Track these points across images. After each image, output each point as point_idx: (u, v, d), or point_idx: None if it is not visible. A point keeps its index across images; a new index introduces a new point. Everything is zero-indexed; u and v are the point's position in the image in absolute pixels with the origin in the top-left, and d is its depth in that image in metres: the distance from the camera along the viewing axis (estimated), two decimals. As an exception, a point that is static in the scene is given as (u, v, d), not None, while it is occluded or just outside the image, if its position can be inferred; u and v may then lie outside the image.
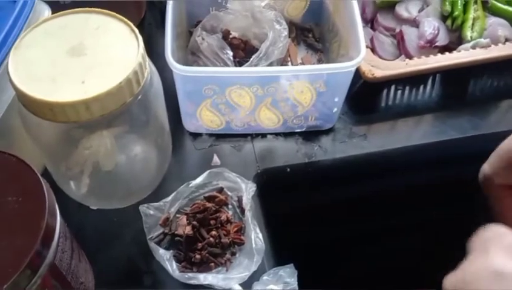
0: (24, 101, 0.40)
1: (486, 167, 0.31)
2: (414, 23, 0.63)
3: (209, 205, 0.50)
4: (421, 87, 0.62)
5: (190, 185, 0.51)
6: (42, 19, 0.46)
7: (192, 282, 0.45)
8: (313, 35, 0.66)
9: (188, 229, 0.48)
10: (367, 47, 0.62)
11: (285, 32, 0.58)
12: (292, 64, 0.63)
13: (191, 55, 0.59)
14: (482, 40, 0.60)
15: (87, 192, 0.49)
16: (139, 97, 0.42)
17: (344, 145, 0.57)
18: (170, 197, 0.50)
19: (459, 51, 0.60)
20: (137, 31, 0.42)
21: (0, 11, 0.45)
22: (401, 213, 0.66)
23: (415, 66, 0.59)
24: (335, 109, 0.56)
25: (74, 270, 0.39)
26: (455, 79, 0.62)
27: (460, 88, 0.63)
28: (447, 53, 0.60)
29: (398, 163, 0.59)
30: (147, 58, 0.43)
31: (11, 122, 0.45)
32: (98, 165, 0.47)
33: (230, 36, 0.61)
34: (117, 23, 0.43)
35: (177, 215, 0.50)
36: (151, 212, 0.49)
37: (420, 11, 0.64)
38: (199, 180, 0.51)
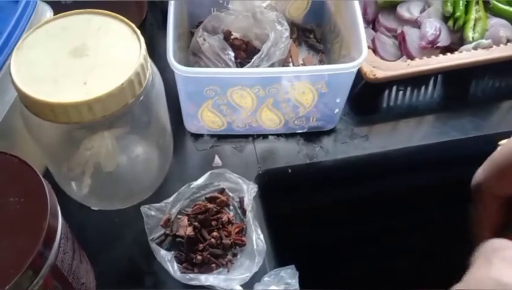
0: (26, 102, 0.40)
1: (479, 174, 0.30)
2: (416, 24, 0.63)
3: (210, 206, 0.50)
4: (423, 88, 0.62)
5: (192, 186, 0.51)
6: (44, 20, 0.46)
7: (193, 283, 0.45)
8: (314, 36, 0.66)
9: (189, 230, 0.48)
10: (369, 48, 0.62)
11: (287, 33, 0.58)
12: (294, 65, 0.63)
13: (192, 56, 0.59)
14: (484, 41, 0.60)
15: (88, 193, 0.49)
16: (141, 98, 0.42)
17: (346, 146, 0.57)
18: (171, 198, 0.50)
19: (461, 52, 0.60)
20: (138, 32, 0.42)
21: (2, 12, 0.45)
22: (402, 214, 0.66)
23: (417, 67, 0.58)
24: (337, 110, 0.56)
25: (75, 271, 0.39)
26: (456, 80, 0.62)
27: (461, 89, 0.63)
28: (449, 54, 0.60)
29: (400, 164, 0.59)
30: (149, 59, 0.43)
31: (13, 123, 0.45)
32: (99, 166, 0.48)
33: (232, 37, 0.61)
34: (119, 24, 0.43)
35: (178, 216, 0.50)
36: (152, 213, 0.49)
37: (421, 11, 0.64)
38: (200, 181, 0.51)
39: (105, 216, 0.51)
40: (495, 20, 0.63)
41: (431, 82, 0.63)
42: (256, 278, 0.46)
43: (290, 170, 0.55)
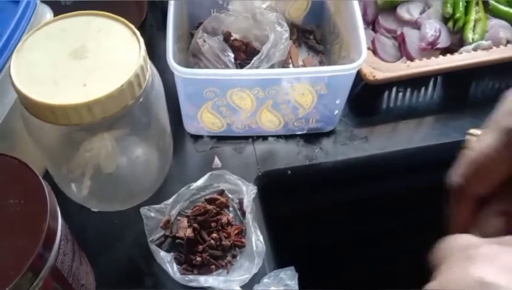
0: (26, 103, 0.40)
1: (453, 173, 0.30)
2: (416, 25, 0.63)
3: (209, 207, 0.50)
4: (422, 89, 0.62)
5: (191, 188, 0.51)
6: (44, 21, 0.46)
7: (192, 284, 0.45)
8: (314, 37, 0.66)
9: (189, 232, 0.48)
10: (369, 49, 0.62)
11: (287, 34, 0.58)
12: (293, 66, 0.63)
13: (192, 57, 0.60)
14: (484, 42, 0.60)
15: (88, 194, 0.49)
16: (140, 100, 0.42)
17: (345, 148, 0.57)
18: (171, 200, 0.50)
19: (461, 53, 0.60)
20: (138, 33, 0.42)
21: (2, 13, 0.45)
22: (402, 215, 0.65)
23: (416, 68, 0.58)
24: (336, 111, 0.56)
25: (75, 272, 0.39)
26: (456, 81, 0.62)
27: (461, 90, 0.63)
28: (448, 55, 0.60)
29: (399, 165, 0.59)
30: (148, 61, 0.43)
31: (13, 125, 0.45)
32: (99, 168, 0.48)
33: (232, 38, 0.61)
34: (119, 25, 0.43)
35: (178, 217, 0.50)
36: (152, 214, 0.49)
37: (421, 13, 0.64)
38: (200, 182, 0.51)
39: (105, 217, 0.51)
40: (495, 21, 0.63)
41: (431, 83, 0.63)
42: (255, 279, 0.46)
43: (289, 172, 0.55)
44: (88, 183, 0.49)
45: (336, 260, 0.69)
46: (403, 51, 0.63)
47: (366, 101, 0.61)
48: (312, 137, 0.58)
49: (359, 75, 0.57)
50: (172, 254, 0.47)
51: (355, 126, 0.59)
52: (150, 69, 0.44)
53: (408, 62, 0.60)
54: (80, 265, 0.40)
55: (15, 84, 0.39)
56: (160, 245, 0.48)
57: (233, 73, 0.54)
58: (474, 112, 0.60)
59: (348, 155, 0.57)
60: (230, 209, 0.51)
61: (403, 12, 0.65)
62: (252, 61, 0.56)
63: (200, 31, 0.60)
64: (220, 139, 0.57)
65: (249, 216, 0.49)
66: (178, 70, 0.48)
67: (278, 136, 0.58)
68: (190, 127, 0.57)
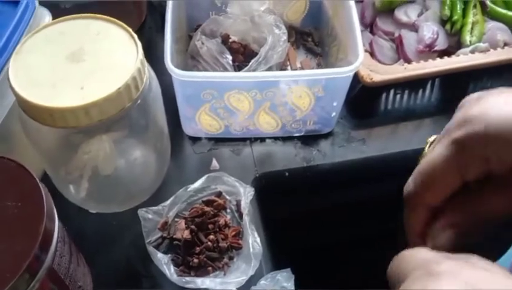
0: (24, 106, 0.40)
1: (409, 183, 0.30)
2: (413, 27, 0.64)
3: (207, 209, 0.50)
4: (420, 92, 0.62)
5: (189, 189, 0.51)
6: (42, 24, 0.46)
7: (189, 286, 0.45)
8: (312, 39, 0.66)
9: (186, 233, 0.48)
10: (366, 51, 0.62)
11: (285, 37, 0.59)
12: (291, 69, 0.63)
13: (191, 59, 0.60)
14: (481, 45, 0.60)
15: (86, 196, 0.50)
16: (138, 102, 0.42)
17: (343, 150, 0.57)
18: (168, 201, 0.50)
19: (458, 56, 0.60)
20: (135, 36, 0.43)
21: (1, 16, 0.45)
22: (400, 218, 0.65)
23: (414, 71, 0.59)
24: (334, 114, 0.56)
25: (72, 274, 0.39)
26: (454, 83, 0.62)
27: (459, 92, 0.62)
28: (446, 57, 0.60)
29: (397, 167, 0.59)
30: (146, 64, 0.43)
31: (11, 127, 0.45)
32: (97, 170, 0.48)
33: (230, 40, 0.62)
34: (117, 29, 0.44)
35: (176, 219, 0.50)
36: (150, 216, 0.49)
37: (419, 15, 0.64)
38: (197, 184, 0.51)
39: (103, 219, 0.51)
40: (492, 24, 0.63)
41: (429, 85, 0.63)
42: (252, 281, 0.46)
43: (287, 173, 0.56)
44: (86, 185, 0.49)
45: (333, 262, 0.69)
46: (401, 53, 0.63)
47: (364, 103, 0.61)
48: (310, 139, 0.58)
49: (356, 77, 0.57)
50: (169, 255, 0.48)
51: (353, 128, 0.59)
52: (148, 72, 0.44)
53: (406, 64, 0.60)
54: (78, 267, 0.41)
55: (13, 86, 0.39)
56: (157, 247, 0.48)
57: (231, 75, 0.54)
58: (471, 114, 0.60)
59: (346, 157, 0.57)
60: (228, 211, 0.52)
61: (401, 14, 0.65)
62: (250, 63, 0.56)
63: (198, 33, 0.60)
64: (218, 141, 0.58)
65: (246, 218, 0.49)
66: (176, 73, 0.48)
67: (276, 138, 0.58)
68: (188, 129, 0.57)
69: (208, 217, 0.49)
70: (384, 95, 0.62)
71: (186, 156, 0.57)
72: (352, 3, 0.55)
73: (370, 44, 0.64)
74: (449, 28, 0.62)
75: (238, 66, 0.60)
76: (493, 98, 0.28)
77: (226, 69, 0.57)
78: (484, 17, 0.63)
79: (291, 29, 0.66)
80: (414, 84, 0.61)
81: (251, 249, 0.47)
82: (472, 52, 0.60)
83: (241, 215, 0.50)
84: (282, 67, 0.61)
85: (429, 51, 0.61)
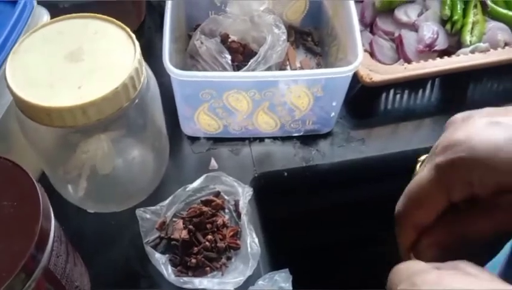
0: (21, 106, 0.40)
1: (399, 203, 0.31)
2: (413, 27, 0.63)
3: (205, 209, 0.50)
4: (420, 92, 0.62)
5: (187, 189, 0.51)
6: (40, 23, 0.46)
7: (187, 286, 0.45)
8: (312, 39, 0.66)
9: (184, 234, 0.48)
10: (366, 51, 0.62)
11: (284, 36, 0.58)
12: (291, 68, 0.63)
13: (190, 58, 0.60)
14: (481, 45, 0.60)
15: (84, 195, 0.49)
16: (136, 101, 0.42)
17: (342, 150, 0.57)
18: (167, 201, 0.50)
19: (458, 56, 0.60)
20: (133, 36, 0.42)
21: (-1, 15, 0.45)
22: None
23: (414, 71, 0.58)
24: (333, 113, 0.56)
25: (69, 274, 0.39)
26: (454, 83, 0.62)
27: (459, 92, 0.63)
28: (446, 57, 0.60)
29: (397, 167, 0.58)
30: (144, 63, 0.43)
31: (9, 126, 0.45)
32: (95, 169, 0.48)
33: (229, 40, 0.62)
34: (115, 28, 0.43)
35: (174, 219, 0.50)
36: (148, 216, 0.49)
37: (419, 15, 0.64)
38: (196, 184, 0.51)
39: (101, 219, 0.51)
40: (493, 24, 0.63)
41: (429, 85, 0.62)
42: (250, 281, 0.46)
43: (286, 173, 0.55)
44: (84, 185, 0.49)
45: (331, 262, 0.69)
46: (400, 53, 0.63)
47: (363, 103, 0.61)
48: (309, 139, 0.58)
49: (356, 77, 0.57)
50: (167, 255, 0.48)
51: (352, 128, 0.59)
52: (146, 71, 0.44)
53: (406, 64, 0.59)
54: (75, 266, 0.41)
55: (10, 86, 0.39)
56: (155, 247, 0.48)
57: (229, 75, 0.54)
58: (471, 114, 0.60)
59: (345, 157, 0.57)
60: (226, 211, 0.51)
61: (401, 14, 0.64)
62: (249, 63, 0.56)
63: (197, 33, 0.60)
64: (217, 140, 0.57)
65: (244, 218, 0.49)
66: (174, 72, 0.48)
67: (275, 138, 0.58)
68: (187, 128, 0.57)
69: (206, 217, 0.49)
70: (383, 95, 0.62)
71: (184, 156, 0.57)
72: (352, 3, 0.55)
73: (370, 44, 0.64)
74: (450, 27, 0.62)
75: (237, 66, 0.60)
76: (478, 120, 0.28)
77: (225, 69, 0.57)
78: (485, 17, 0.63)
79: (290, 29, 0.65)
80: (414, 84, 0.61)
81: (249, 249, 0.47)
82: (473, 52, 0.60)
83: (239, 215, 0.50)
84: (281, 67, 0.61)
85: (429, 51, 0.61)
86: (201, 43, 0.58)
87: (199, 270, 0.47)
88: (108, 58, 0.42)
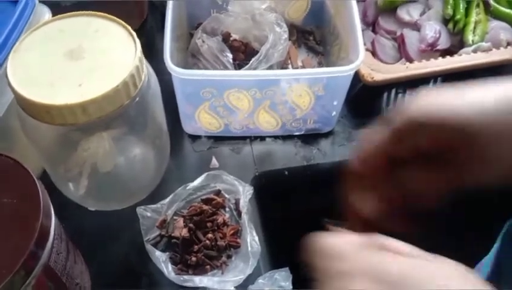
0: (22, 104, 0.40)
1: (355, 152, 0.33)
2: (416, 26, 0.63)
3: (206, 207, 0.50)
4: (422, 91, 0.62)
5: (188, 188, 0.51)
6: (42, 21, 0.46)
7: (187, 284, 0.45)
8: (314, 38, 0.66)
9: (185, 232, 0.48)
10: (368, 50, 0.62)
11: (286, 35, 0.58)
12: (292, 67, 0.63)
13: (191, 57, 0.60)
14: (484, 44, 0.60)
15: (85, 193, 0.50)
16: (136, 100, 0.42)
17: (343, 149, 0.57)
18: (167, 199, 0.50)
19: (460, 55, 0.60)
20: (134, 34, 0.42)
21: (1, 13, 0.45)
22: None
23: (415, 70, 0.58)
24: (334, 112, 0.56)
25: (69, 271, 0.39)
26: (456, 83, 0.62)
27: (461, 92, 0.63)
28: (448, 57, 0.60)
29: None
30: (145, 61, 0.43)
31: (10, 125, 0.45)
32: (96, 167, 0.48)
33: (231, 38, 0.62)
34: (116, 26, 0.43)
35: (174, 217, 0.50)
36: (148, 214, 0.49)
37: (421, 14, 0.64)
38: (197, 182, 0.51)
39: (102, 217, 0.51)
40: (495, 23, 0.62)
41: (431, 85, 0.62)
42: (250, 280, 0.46)
43: (287, 172, 0.55)
44: (85, 183, 0.49)
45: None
46: (402, 53, 0.62)
47: (365, 102, 0.61)
48: (310, 138, 0.58)
49: (357, 76, 0.57)
50: (167, 253, 0.48)
51: (353, 127, 0.59)
52: (147, 69, 0.44)
53: (408, 64, 0.59)
54: (75, 264, 0.41)
55: (11, 84, 0.39)
56: (155, 245, 0.48)
57: (230, 74, 0.54)
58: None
59: (346, 156, 0.56)
60: (227, 209, 0.51)
61: (403, 13, 0.64)
62: (251, 62, 0.56)
63: (199, 32, 0.60)
64: (218, 139, 0.57)
65: (244, 217, 0.49)
66: (175, 71, 0.48)
67: (276, 137, 0.58)
68: (188, 127, 0.57)
69: (207, 216, 0.49)
70: (385, 94, 0.62)
71: (185, 154, 0.57)
72: (354, 3, 0.55)
73: (372, 43, 0.64)
74: (452, 27, 0.62)
75: (239, 65, 0.60)
76: (432, 92, 0.31)
77: (226, 68, 0.57)
78: (487, 16, 0.63)
79: (292, 27, 0.65)
80: (416, 83, 0.61)
81: (249, 248, 0.47)
82: (475, 51, 0.60)
83: (239, 213, 0.50)
84: (283, 65, 0.61)
85: (431, 50, 0.61)
86: (203, 41, 0.58)
87: (199, 269, 0.47)
88: (109, 56, 0.42)
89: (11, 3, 0.46)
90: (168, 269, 0.45)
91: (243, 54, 0.61)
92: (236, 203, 0.51)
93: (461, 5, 0.62)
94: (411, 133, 0.29)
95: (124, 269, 0.48)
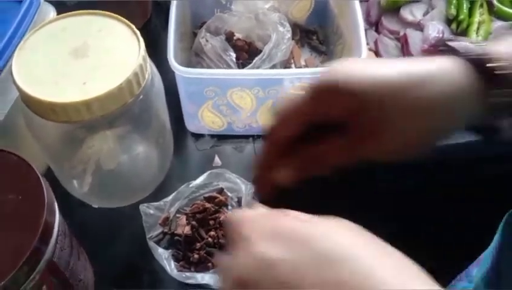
0: (27, 101, 0.41)
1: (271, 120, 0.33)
2: (419, 26, 0.63)
3: (208, 205, 0.50)
4: (424, 91, 0.62)
5: (191, 186, 0.51)
6: (47, 20, 0.46)
7: (189, 281, 0.45)
8: (317, 37, 0.66)
9: (187, 229, 0.48)
10: (371, 50, 0.62)
11: (289, 35, 0.59)
12: (295, 67, 0.63)
13: (195, 56, 0.60)
14: (487, 44, 0.60)
15: (89, 190, 0.50)
16: (140, 98, 0.43)
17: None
18: (170, 197, 0.51)
19: (463, 55, 0.60)
20: (138, 33, 0.43)
21: (6, 12, 0.46)
22: (397, 217, 0.65)
23: (418, 70, 0.58)
24: (336, 112, 0.56)
25: (72, 267, 0.39)
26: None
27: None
28: (451, 57, 0.59)
29: (398, 166, 0.59)
30: (148, 60, 0.43)
31: (15, 122, 0.46)
32: (100, 164, 0.48)
33: (234, 38, 0.62)
34: (120, 25, 0.44)
35: (177, 215, 0.51)
36: (151, 211, 0.49)
37: (425, 14, 0.64)
38: (199, 180, 0.52)
39: (105, 214, 0.51)
40: (499, 24, 0.62)
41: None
42: (252, 277, 0.46)
43: (289, 171, 0.56)
44: (89, 180, 0.50)
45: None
46: (405, 52, 0.62)
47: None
48: (312, 137, 0.58)
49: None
50: (170, 251, 0.48)
51: (356, 127, 0.59)
52: (150, 68, 0.44)
53: (410, 63, 0.59)
54: (78, 260, 0.41)
55: (17, 82, 0.40)
56: (158, 242, 0.49)
57: (233, 73, 0.54)
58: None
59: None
60: (229, 207, 0.52)
61: (406, 13, 0.64)
62: (254, 61, 0.57)
63: (203, 31, 0.60)
64: (221, 138, 0.58)
65: (247, 215, 0.49)
66: (178, 69, 0.49)
67: (279, 136, 0.58)
68: (191, 125, 0.57)
69: (209, 214, 0.50)
70: (388, 94, 0.62)
71: (188, 153, 0.57)
72: (357, 2, 0.55)
73: (375, 42, 0.64)
74: (455, 27, 0.62)
75: (242, 64, 0.60)
76: (356, 58, 0.33)
77: (229, 67, 0.57)
78: (491, 16, 0.63)
79: (296, 27, 0.66)
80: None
81: (251, 246, 0.47)
82: (478, 51, 0.60)
83: (242, 212, 0.50)
84: (286, 65, 0.61)
85: (434, 50, 0.61)
86: (206, 41, 0.59)
87: (201, 266, 0.47)
88: (113, 55, 0.42)
89: (16, 2, 0.47)
90: (171, 266, 0.46)
91: (246, 53, 0.61)
92: (239, 201, 0.51)
93: (464, 5, 0.62)
94: (326, 95, 0.30)
95: (127, 266, 0.49)
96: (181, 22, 0.56)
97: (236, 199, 0.52)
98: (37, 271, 0.34)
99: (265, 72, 0.53)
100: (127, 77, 0.40)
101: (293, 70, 0.61)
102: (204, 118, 0.55)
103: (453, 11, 0.62)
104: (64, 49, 0.42)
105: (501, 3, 0.63)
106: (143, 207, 0.49)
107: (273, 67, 0.57)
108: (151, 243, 0.47)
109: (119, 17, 0.44)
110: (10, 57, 0.43)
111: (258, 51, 0.60)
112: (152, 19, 0.69)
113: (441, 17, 0.63)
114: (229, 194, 0.52)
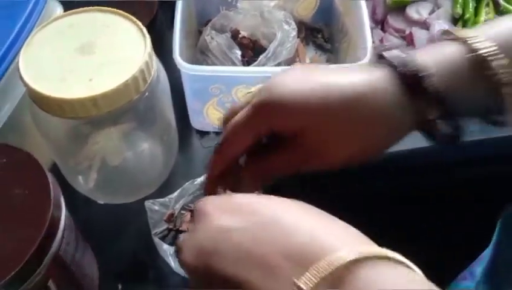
0: (34, 97, 0.41)
1: (220, 138, 0.35)
2: (425, 25, 0.63)
3: (213, 202, 0.50)
4: (429, 90, 0.62)
5: (196, 183, 0.52)
6: (53, 16, 0.47)
7: (193, 277, 0.46)
8: (322, 35, 0.66)
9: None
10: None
11: (294, 33, 0.59)
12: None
13: (200, 54, 0.60)
14: (493, 43, 0.60)
15: (95, 186, 0.50)
16: (146, 94, 0.43)
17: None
18: (175, 194, 0.51)
19: (469, 54, 0.60)
20: (144, 30, 0.43)
21: (13, 8, 0.46)
22: (398, 217, 0.65)
23: (423, 68, 0.58)
24: (341, 110, 0.56)
25: (78, 262, 0.40)
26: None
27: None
28: (457, 56, 0.59)
29: (398, 167, 0.59)
30: (154, 57, 0.44)
31: (22, 118, 0.46)
32: (105, 160, 0.49)
33: (240, 35, 0.62)
34: (126, 22, 0.44)
35: (182, 211, 0.51)
36: (156, 208, 0.50)
37: (430, 13, 0.64)
38: (204, 177, 0.52)
39: (110, 210, 0.52)
40: (505, 23, 0.62)
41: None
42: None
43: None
44: (95, 176, 0.50)
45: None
46: (411, 51, 0.62)
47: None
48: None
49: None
50: (174, 247, 0.48)
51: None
52: (156, 65, 0.44)
53: (416, 62, 0.59)
54: (84, 255, 0.41)
55: (24, 78, 0.40)
56: (163, 238, 0.49)
57: (238, 70, 0.54)
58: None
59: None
60: (233, 204, 0.52)
61: (412, 12, 0.64)
62: (259, 59, 0.57)
63: (208, 28, 0.60)
64: (226, 135, 0.58)
65: (251, 212, 0.49)
66: (184, 67, 0.49)
67: (283, 134, 0.58)
68: (196, 122, 0.58)
69: (213, 210, 0.50)
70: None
71: (193, 150, 0.57)
72: (362, 1, 0.55)
73: (381, 41, 0.64)
74: (461, 26, 0.62)
75: (247, 62, 0.60)
76: (296, 71, 0.34)
77: (234, 64, 0.57)
78: (497, 15, 0.63)
79: (301, 25, 0.66)
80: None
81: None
82: (484, 50, 0.59)
83: (246, 209, 0.50)
84: (291, 63, 0.61)
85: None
86: (212, 38, 0.59)
87: (205, 262, 0.47)
88: (119, 52, 0.42)
89: (24, -1, 0.47)
90: (175, 262, 0.46)
91: (252, 51, 0.62)
92: (243, 198, 0.51)
93: (470, 4, 0.62)
94: (266, 114, 0.32)
95: (132, 262, 0.49)
96: (187, 20, 0.57)
97: (240, 196, 0.52)
98: (43, 265, 0.35)
99: (271, 70, 0.53)
100: (133, 74, 0.40)
101: (298, 68, 0.61)
102: (209, 115, 0.55)
103: (459, 10, 0.62)
104: (71, 46, 0.42)
105: (507, 2, 0.63)
106: (148, 203, 0.49)
107: (278, 65, 0.57)
108: (156, 239, 0.48)
109: (126, 14, 0.44)
110: (17, 53, 0.43)
111: (263, 49, 0.60)
112: (158, 17, 0.69)
113: (447, 16, 0.63)
114: (233, 191, 0.52)
